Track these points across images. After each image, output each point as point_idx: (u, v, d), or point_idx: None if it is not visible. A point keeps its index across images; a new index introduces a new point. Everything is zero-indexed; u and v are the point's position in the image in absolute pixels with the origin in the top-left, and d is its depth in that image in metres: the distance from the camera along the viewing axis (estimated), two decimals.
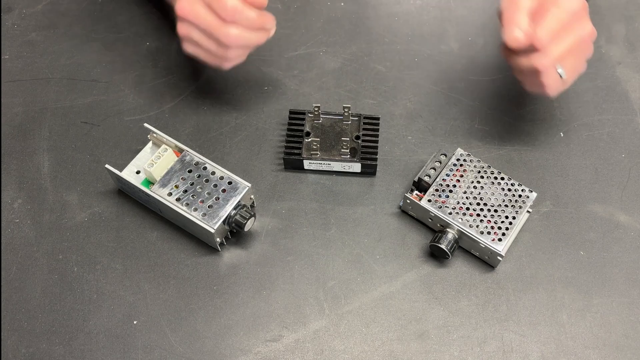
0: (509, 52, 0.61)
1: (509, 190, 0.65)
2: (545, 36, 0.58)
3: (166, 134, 0.66)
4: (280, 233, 0.66)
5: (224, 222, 0.61)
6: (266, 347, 0.60)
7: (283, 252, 0.65)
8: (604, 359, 0.60)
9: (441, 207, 0.63)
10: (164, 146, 0.65)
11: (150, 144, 0.68)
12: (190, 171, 0.63)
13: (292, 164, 0.69)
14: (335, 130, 0.70)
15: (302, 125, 0.70)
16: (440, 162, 0.66)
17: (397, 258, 0.65)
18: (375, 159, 0.68)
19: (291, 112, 0.70)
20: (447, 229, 0.63)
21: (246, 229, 0.62)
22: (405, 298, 0.63)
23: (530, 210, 0.66)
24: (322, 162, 0.68)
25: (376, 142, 0.69)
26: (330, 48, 0.79)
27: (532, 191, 0.65)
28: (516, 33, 0.58)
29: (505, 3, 0.60)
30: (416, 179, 0.65)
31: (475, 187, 0.65)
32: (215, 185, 0.62)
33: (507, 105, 0.75)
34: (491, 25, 0.81)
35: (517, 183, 0.65)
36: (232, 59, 0.64)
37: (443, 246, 0.62)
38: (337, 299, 0.63)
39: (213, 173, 0.63)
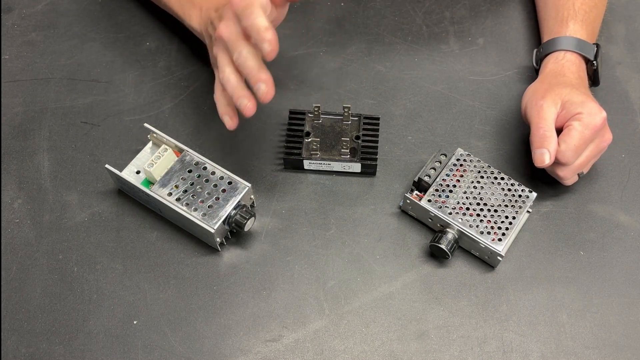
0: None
1: (509, 190, 0.65)
2: (570, 155, 0.62)
3: (166, 134, 0.66)
4: (280, 233, 0.66)
5: (224, 222, 0.61)
6: (266, 347, 0.60)
7: (283, 252, 0.65)
8: (604, 359, 0.60)
9: (441, 207, 0.63)
10: (164, 146, 0.65)
11: (150, 144, 0.68)
12: (190, 171, 0.63)
13: (292, 164, 0.69)
14: (335, 130, 0.70)
15: (302, 125, 0.70)
16: (440, 162, 0.66)
17: (397, 258, 0.65)
18: (375, 159, 0.68)
19: (291, 112, 0.70)
20: (447, 229, 0.63)
21: (246, 229, 0.62)
22: (405, 298, 0.63)
23: (530, 210, 0.66)
24: (322, 162, 0.68)
25: (376, 142, 0.69)
26: (330, 48, 0.79)
27: (532, 191, 0.65)
28: (545, 159, 0.62)
29: (531, 110, 0.65)
30: (416, 179, 0.65)
31: (475, 187, 0.65)
32: (215, 185, 0.62)
33: (507, 105, 0.75)
34: (491, 25, 0.81)
35: (517, 183, 0.65)
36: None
37: (443, 246, 0.62)
38: (337, 299, 0.63)
39: (213, 173, 0.63)
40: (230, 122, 0.62)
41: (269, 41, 0.57)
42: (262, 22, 0.57)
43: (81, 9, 0.81)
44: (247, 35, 0.59)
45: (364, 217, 0.67)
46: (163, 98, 0.75)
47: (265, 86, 0.58)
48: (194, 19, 0.70)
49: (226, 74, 0.60)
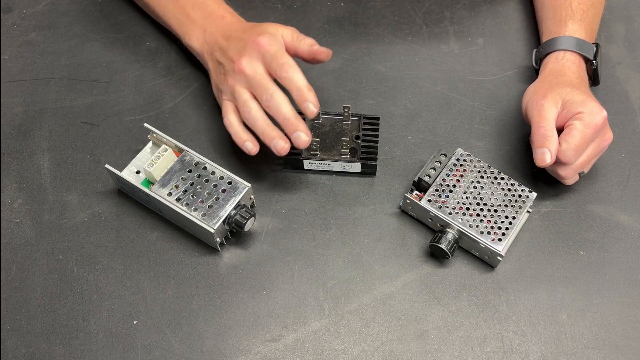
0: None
1: (509, 190, 0.65)
2: (571, 155, 0.62)
3: (166, 134, 0.66)
4: (280, 233, 0.66)
5: (224, 222, 0.61)
6: (266, 347, 0.60)
7: (283, 252, 0.65)
8: (604, 359, 0.60)
9: (441, 207, 0.63)
10: (164, 146, 0.65)
11: (150, 144, 0.68)
12: (190, 171, 0.63)
13: (292, 164, 0.69)
14: (335, 130, 0.70)
15: None
16: (440, 162, 0.66)
17: (397, 258, 0.65)
18: (375, 159, 0.68)
19: None
20: (447, 229, 0.63)
21: (246, 229, 0.62)
22: (405, 298, 0.63)
23: (530, 210, 0.66)
24: (322, 162, 0.68)
25: (376, 142, 0.69)
26: (330, 48, 0.78)
27: (532, 191, 0.65)
28: (546, 158, 0.61)
29: (532, 110, 0.65)
30: (416, 179, 0.65)
31: (475, 187, 0.65)
32: (215, 185, 0.62)
33: (507, 105, 0.75)
34: (491, 25, 0.81)
35: (517, 183, 0.65)
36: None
37: (443, 246, 0.62)
38: (337, 299, 0.63)
39: (213, 173, 0.63)
40: (254, 148, 0.64)
41: (314, 102, 0.61)
42: (301, 79, 0.61)
43: (81, 9, 0.82)
44: (272, 75, 0.62)
45: (364, 217, 0.67)
46: (163, 98, 0.75)
47: (306, 136, 0.61)
48: (194, 40, 0.71)
49: (253, 112, 0.63)
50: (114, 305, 0.62)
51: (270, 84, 0.62)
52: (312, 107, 0.61)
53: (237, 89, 0.63)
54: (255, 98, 0.63)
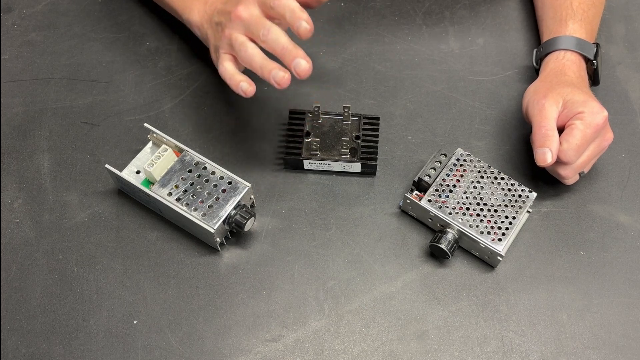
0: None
1: (509, 190, 0.65)
2: (572, 154, 0.62)
3: (166, 134, 0.66)
4: (280, 233, 0.66)
5: (224, 222, 0.61)
6: (266, 347, 0.60)
7: (283, 252, 0.65)
8: (604, 359, 0.60)
9: (441, 207, 0.63)
10: (164, 146, 0.65)
11: (150, 144, 0.68)
12: (190, 171, 0.63)
13: (292, 164, 0.69)
14: (335, 130, 0.70)
15: (302, 125, 0.70)
16: (440, 162, 0.66)
17: (397, 258, 0.65)
18: (375, 159, 0.68)
19: (291, 112, 0.70)
20: (447, 229, 0.63)
21: (246, 229, 0.62)
22: (405, 298, 0.63)
23: (530, 210, 0.66)
24: (322, 162, 0.68)
25: (376, 142, 0.69)
26: (330, 48, 0.79)
27: (532, 191, 0.65)
28: (547, 157, 0.61)
29: (533, 109, 0.65)
30: (416, 179, 0.65)
31: (475, 187, 0.65)
32: (215, 185, 0.62)
33: (507, 105, 0.75)
34: (491, 25, 0.81)
35: (517, 183, 0.65)
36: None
37: (443, 246, 0.62)
38: (337, 299, 0.63)
39: (213, 173, 0.63)
40: (249, 87, 0.61)
41: (307, 20, 0.58)
42: (294, 3, 0.59)
43: (81, 9, 0.81)
44: (270, 17, 0.60)
45: (364, 217, 0.67)
46: (163, 98, 0.75)
47: (306, 62, 0.59)
48: (194, 13, 0.70)
49: (250, 49, 0.60)
50: (114, 305, 0.62)
51: (267, 21, 0.60)
52: (305, 24, 0.58)
53: (233, 36, 0.62)
54: (252, 41, 0.61)
